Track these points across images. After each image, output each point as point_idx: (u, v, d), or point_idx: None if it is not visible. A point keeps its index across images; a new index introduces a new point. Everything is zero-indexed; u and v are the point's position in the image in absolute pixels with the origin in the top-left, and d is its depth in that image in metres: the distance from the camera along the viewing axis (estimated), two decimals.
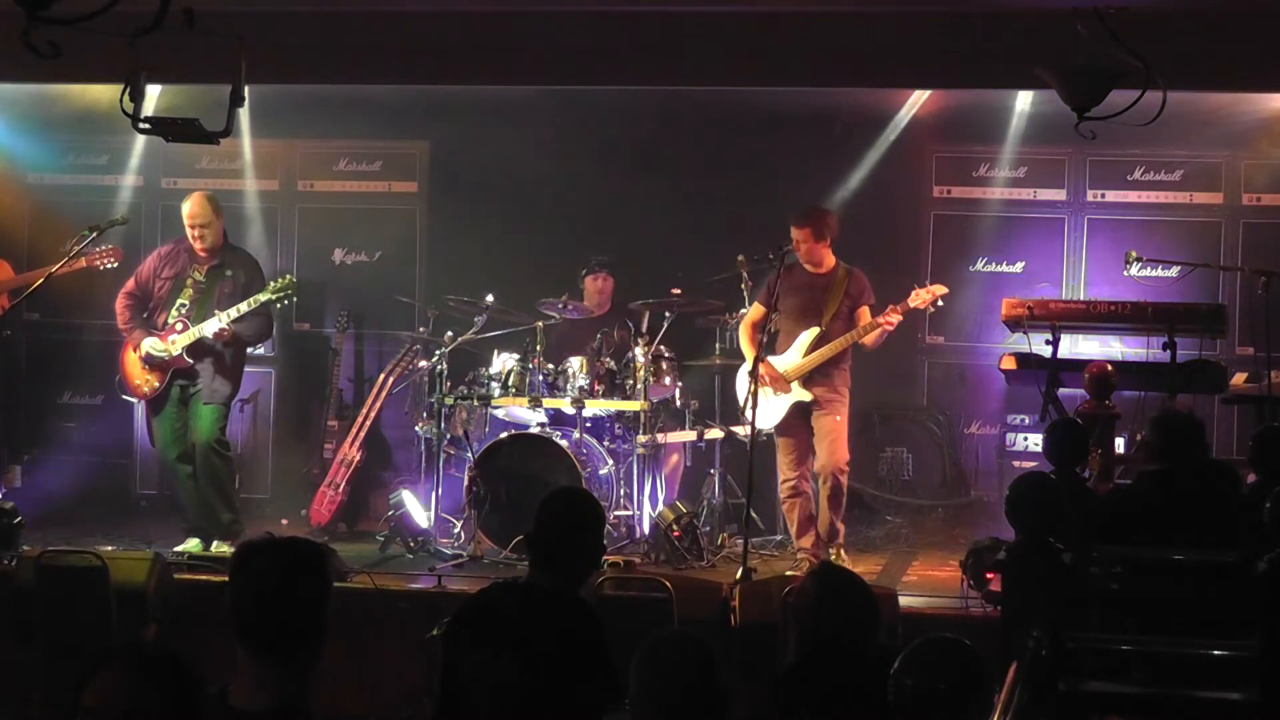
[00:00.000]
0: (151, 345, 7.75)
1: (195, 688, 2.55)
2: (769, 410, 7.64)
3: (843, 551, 7.73)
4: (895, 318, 7.57)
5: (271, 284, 7.79)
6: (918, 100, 9.07)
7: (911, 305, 7.67)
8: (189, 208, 7.84)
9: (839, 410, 7.64)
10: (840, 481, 7.61)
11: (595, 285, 8.82)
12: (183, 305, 7.81)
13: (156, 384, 7.81)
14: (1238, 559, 5.26)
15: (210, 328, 7.64)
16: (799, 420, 7.69)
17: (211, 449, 7.79)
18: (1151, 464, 6.00)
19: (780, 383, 7.63)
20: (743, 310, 8.31)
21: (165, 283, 7.88)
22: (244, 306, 7.67)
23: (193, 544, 7.76)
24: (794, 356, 7.68)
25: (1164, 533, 5.58)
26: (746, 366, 7.75)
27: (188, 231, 7.85)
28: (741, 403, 7.67)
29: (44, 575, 6.68)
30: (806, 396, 7.64)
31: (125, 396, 8.17)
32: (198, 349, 7.75)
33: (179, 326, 7.75)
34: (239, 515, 7.99)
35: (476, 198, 9.69)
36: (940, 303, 7.83)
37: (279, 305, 7.90)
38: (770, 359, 7.62)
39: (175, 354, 7.72)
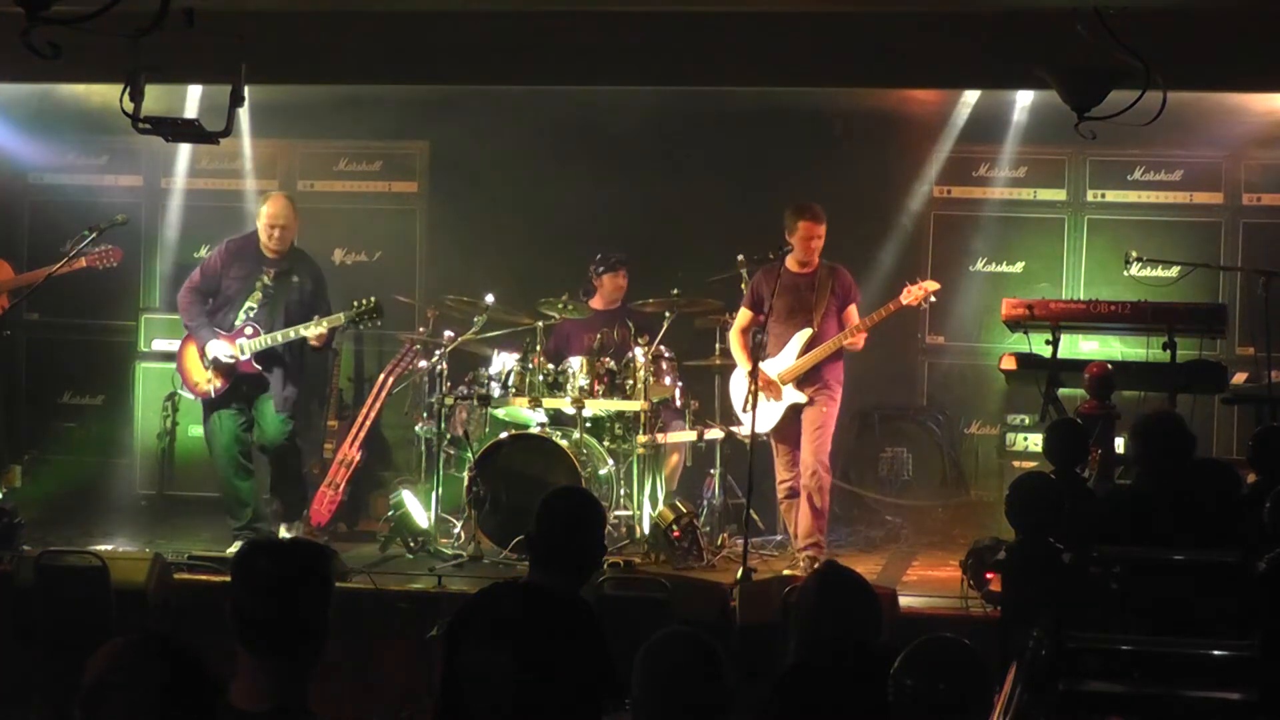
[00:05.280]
0: (220, 350, 7.67)
1: (209, 686, 2.55)
2: (765, 415, 7.62)
3: (820, 557, 7.36)
4: (861, 337, 7.59)
5: (355, 304, 7.74)
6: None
7: (904, 303, 7.68)
8: (272, 207, 7.81)
9: (828, 403, 7.63)
10: (822, 480, 7.54)
11: (616, 282, 8.84)
12: (251, 309, 7.75)
13: (220, 385, 7.74)
14: (1238, 559, 5.25)
15: (311, 331, 7.65)
16: (793, 421, 7.69)
17: (285, 443, 7.84)
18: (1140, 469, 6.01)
19: (773, 389, 7.62)
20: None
21: (234, 281, 7.80)
22: (326, 323, 7.67)
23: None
24: (787, 359, 7.67)
25: (1164, 533, 5.57)
26: (741, 369, 7.76)
27: (263, 230, 7.79)
28: (740, 406, 7.68)
29: (44, 575, 6.68)
30: (802, 398, 7.64)
31: (183, 393, 8.17)
32: (268, 356, 7.72)
33: (249, 331, 7.69)
34: (307, 495, 8.21)
35: (476, 198, 9.69)
36: (933, 299, 7.81)
37: (361, 328, 7.91)
38: (762, 364, 7.56)
39: (244, 358, 7.68)
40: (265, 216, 7.81)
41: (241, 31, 5.57)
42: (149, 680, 2.47)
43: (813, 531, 7.56)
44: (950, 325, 9.63)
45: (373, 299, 7.79)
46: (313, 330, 7.66)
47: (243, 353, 7.68)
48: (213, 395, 7.78)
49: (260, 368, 7.72)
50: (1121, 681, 5.00)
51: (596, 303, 8.80)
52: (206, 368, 7.74)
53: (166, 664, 2.50)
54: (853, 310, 7.74)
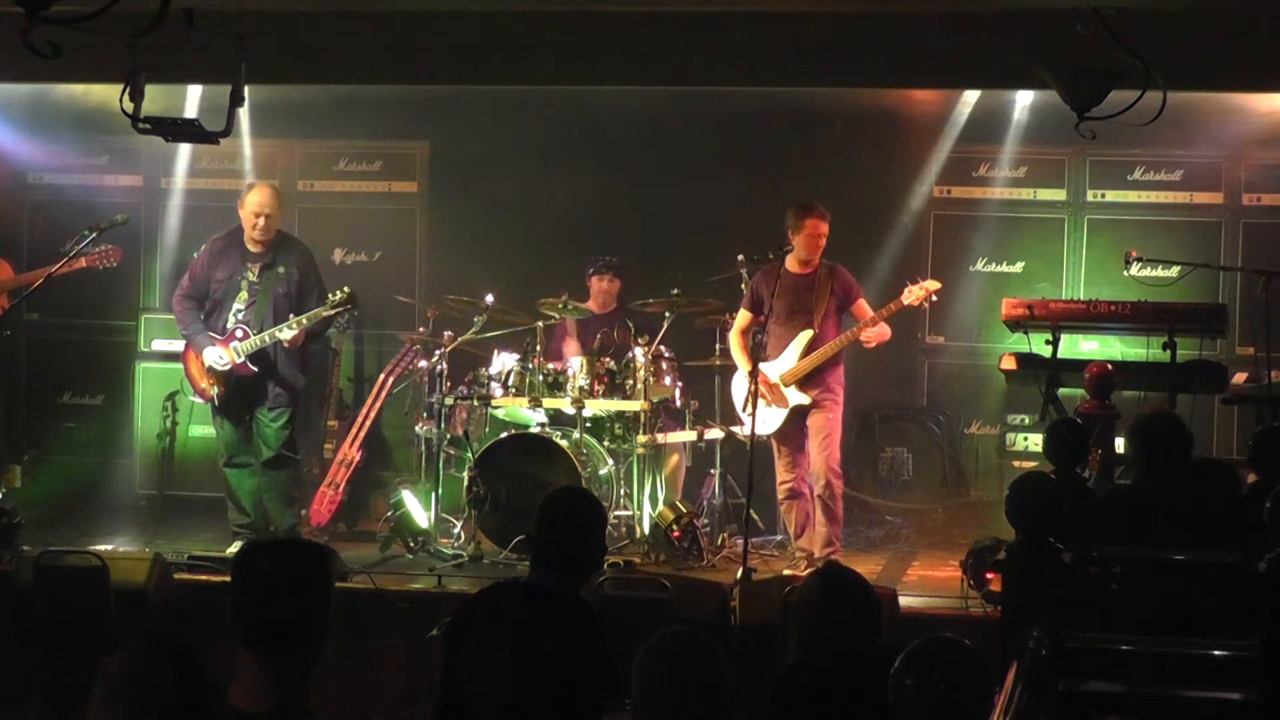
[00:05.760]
0: (215, 358, 7.65)
1: (205, 682, 2.55)
2: (768, 418, 7.61)
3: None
4: (883, 328, 7.60)
5: (330, 297, 7.69)
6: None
7: (906, 302, 7.66)
8: (258, 197, 7.75)
9: (832, 408, 7.62)
10: (834, 487, 7.53)
11: (601, 285, 8.85)
12: (238, 310, 7.72)
13: (220, 390, 7.74)
14: (1237, 559, 5.25)
15: (285, 334, 7.58)
16: (795, 423, 7.67)
17: (278, 457, 7.76)
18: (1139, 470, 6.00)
19: (776, 393, 7.60)
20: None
21: (219, 284, 7.78)
22: (304, 320, 7.61)
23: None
24: (789, 360, 7.65)
25: (1163, 533, 5.57)
26: (742, 370, 7.75)
27: (249, 220, 7.74)
28: (740, 407, 7.67)
29: (44, 575, 6.68)
30: (805, 400, 7.62)
31: (192, 399, 8.18)
32: (261, 355, 7.67)
33: (239, 333, 7.66)
34: (300, 521, 8.02)
35: (476, 198, 9.69)
36: (934, 298, 7.81)
37: (345, 319, 7.86)
38: (763, 366, 7.53)
39: (239, 361, 7.65)
40: (250, 205, 7.75)
41: (241, 31, 5.57)
42: (151, 681, 2.48)
43: (831, 539, 7.55)
44: (950, 325, 9.62)
45: (346, 289, 7.74)
46: (286, 334, 7.60)
47: (238, 355, 7.65)
48: (216, 403, 7.80)
49: (256, 368, 7.69)
50: (1121, 681, 5.00)
51: (592, 304, 8.80)
52: (206, 374, 7.76)
53: (169, 665, 2.50)
54: (864, 304, 7.73)
